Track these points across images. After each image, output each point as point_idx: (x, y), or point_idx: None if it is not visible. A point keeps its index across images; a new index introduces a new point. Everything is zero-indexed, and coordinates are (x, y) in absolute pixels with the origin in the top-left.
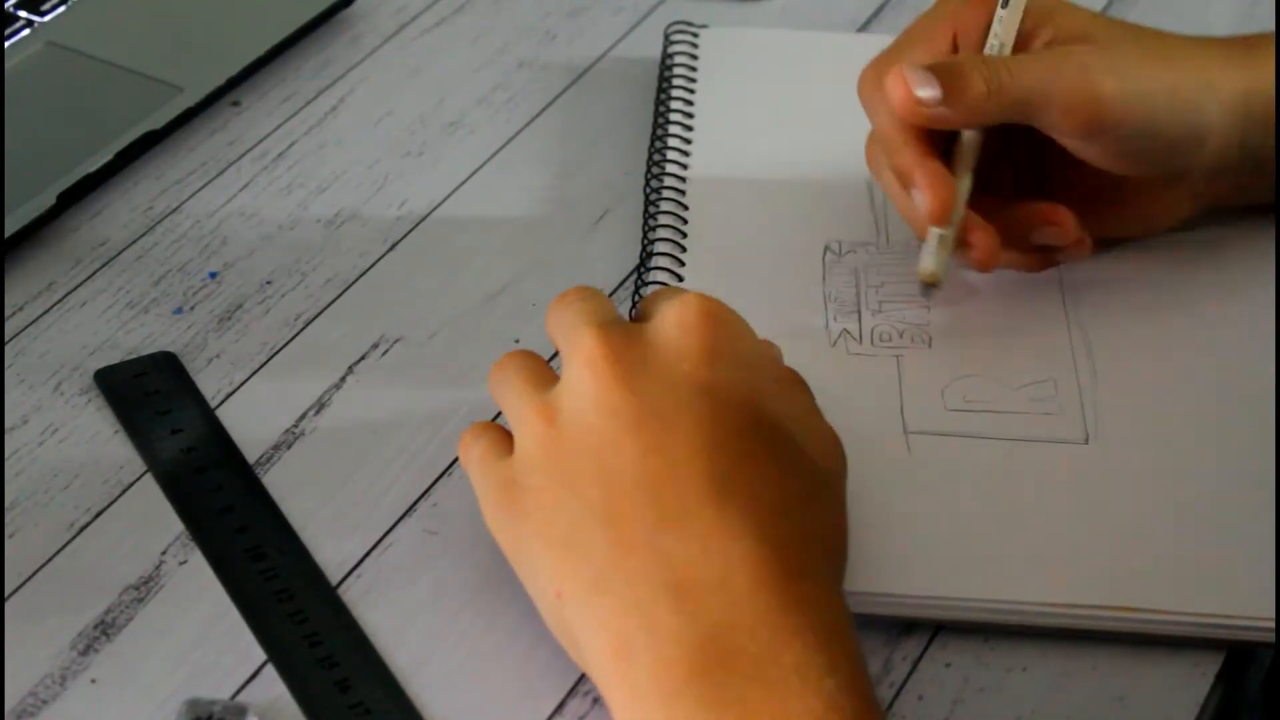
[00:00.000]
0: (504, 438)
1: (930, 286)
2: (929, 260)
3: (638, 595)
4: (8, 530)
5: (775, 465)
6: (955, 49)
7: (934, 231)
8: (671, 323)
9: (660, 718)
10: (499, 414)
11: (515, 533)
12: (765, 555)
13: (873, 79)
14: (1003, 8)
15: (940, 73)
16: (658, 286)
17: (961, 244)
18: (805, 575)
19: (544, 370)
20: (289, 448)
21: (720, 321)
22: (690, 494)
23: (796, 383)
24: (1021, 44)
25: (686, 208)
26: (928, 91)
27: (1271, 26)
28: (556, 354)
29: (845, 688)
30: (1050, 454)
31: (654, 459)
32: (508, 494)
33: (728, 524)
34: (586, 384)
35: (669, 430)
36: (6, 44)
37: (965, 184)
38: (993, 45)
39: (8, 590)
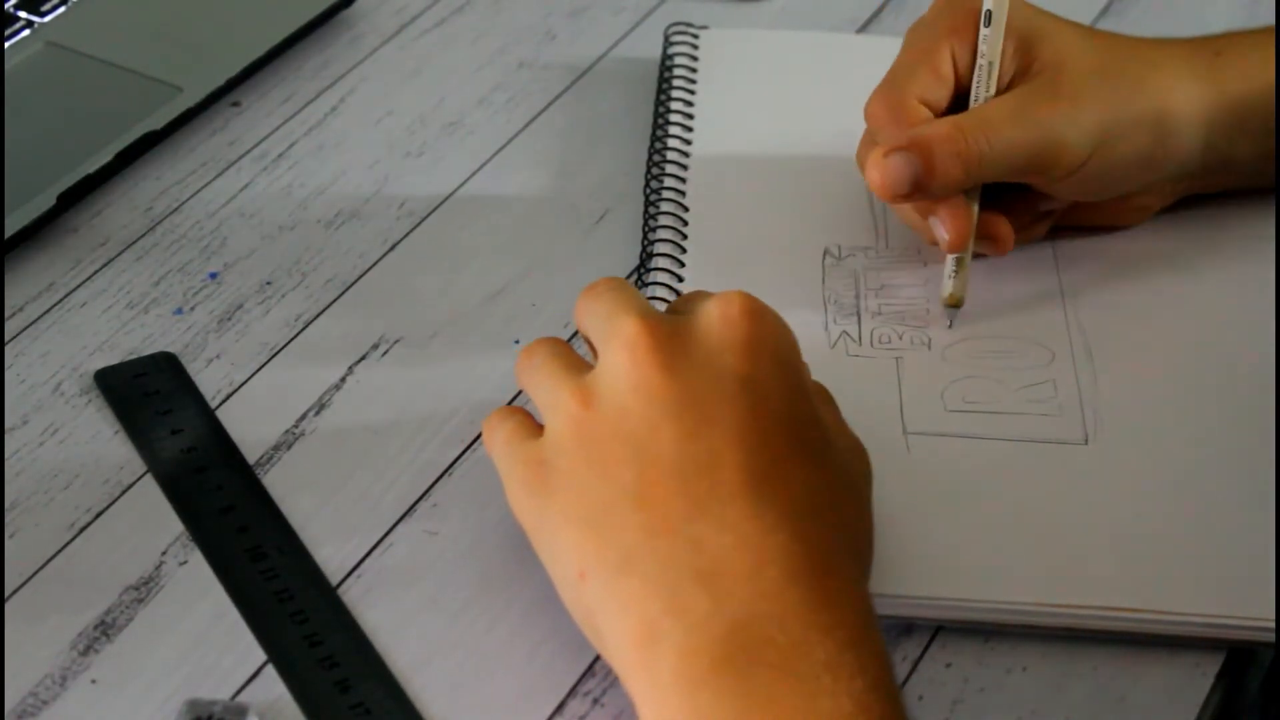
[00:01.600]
0: (530, 422)
1: (954, 308)
2: (950, 284)
3: (666, 579)
4: (8, 530)
5: (809, 464)
6: (955, 68)
7: (951, 257)
8: (715, 316)
9: (683, 706)
10: (513, 399)
11: (540, 511)
12: (798, 551)
13: (880, 110)
14: (985, 26)
15: (920, 157)
16: (658, 287)
17: (980, 237)
18: (835, 573)
19: (575, 356)
20: (289, 448)
21: (763, 318)
22: (726, 484)
23: (826, 396)
24: (1019, 72)
25: (686, 208)
26: (910, 185)
27: (1272, 27)
28: (574, 336)
29: (874, 689)
30: (1050, 455)
31: (692, 446)
32: (535, 473)
33: (762, 517)
34: (626, 368)
35: (708, 420)
36: (6, 44)
37: (975, 209)
38: (981, 65)
39: (8, 590)
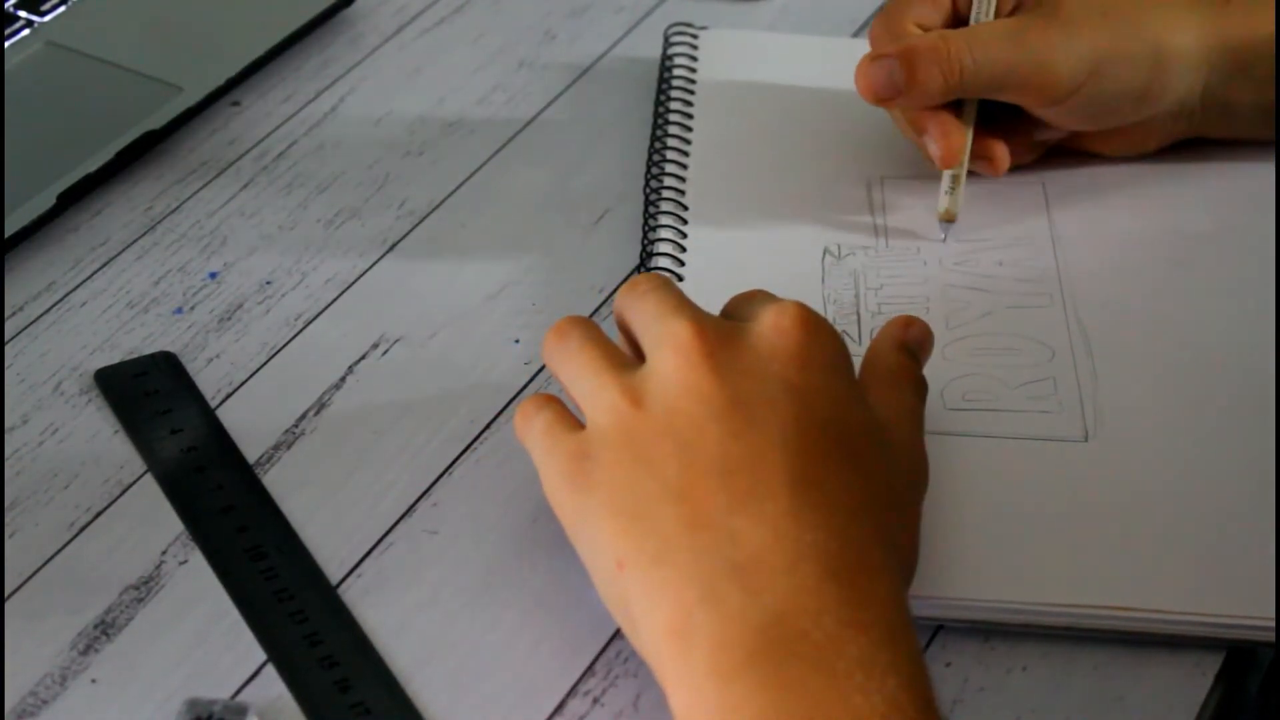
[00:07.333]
0: (565, 413)
1: (948, 223)
2: (945, 200)
3: (702, 570)
4: (8, 530)
5: (854, 469)
6: None
7: (946, 174)
8: (768, 325)
9: (715, 697)
10: (516, 396)
11: (580, 504)
12: (835, 550)
13: (880, 31)
14: None
15: (902, 64)
16: None
17: (976, 157)
18: (872, 573)
19: (611, 345)
20: (289, 448)
21: (815, 330)
22: (766, 482)
23: (909, 385)
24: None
25: (686, 208)
26: (889, 88)
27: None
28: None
29: (907, 688)
30: (1050, 452)
31: (735, 445)
32: (576, 465)
33: (800, 515)
34: (680, 371)
35: (753, 422)
36: (6, 44)
37: (969, 129)
38: None
39: (8, 590)
